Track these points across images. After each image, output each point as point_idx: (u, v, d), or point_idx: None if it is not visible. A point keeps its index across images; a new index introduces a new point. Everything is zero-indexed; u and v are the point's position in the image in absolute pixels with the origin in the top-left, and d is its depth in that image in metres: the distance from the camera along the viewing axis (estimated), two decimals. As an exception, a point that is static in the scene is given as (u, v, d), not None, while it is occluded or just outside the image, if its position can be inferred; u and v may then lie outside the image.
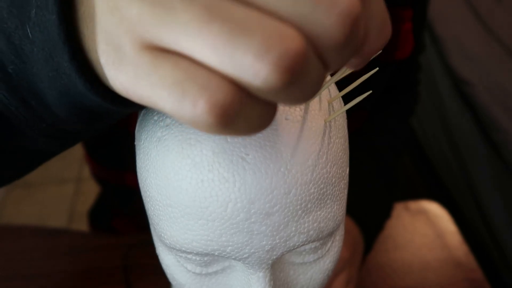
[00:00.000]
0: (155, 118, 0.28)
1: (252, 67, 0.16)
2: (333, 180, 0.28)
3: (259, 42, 0.15)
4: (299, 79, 0.16)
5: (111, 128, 0.57)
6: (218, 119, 0.16)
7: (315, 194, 0.27)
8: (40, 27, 0.21)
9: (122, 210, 0.71)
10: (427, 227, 0.69)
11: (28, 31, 0.22)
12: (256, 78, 0.16)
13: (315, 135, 0.27)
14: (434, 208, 0.72)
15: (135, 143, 0.31)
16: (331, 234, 0.30)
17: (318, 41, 0.16)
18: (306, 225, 0.27)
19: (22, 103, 0.25)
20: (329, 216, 0.29)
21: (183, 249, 0.28)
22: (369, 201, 0.59)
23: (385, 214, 0.63)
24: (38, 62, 0.22)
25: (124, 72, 0.18)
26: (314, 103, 0.27)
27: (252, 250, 0.27)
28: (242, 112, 0.17)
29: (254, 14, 0.16)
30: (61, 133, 0.28)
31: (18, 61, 0.23)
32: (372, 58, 0.20)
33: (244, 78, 0.16)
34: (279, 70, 0.16)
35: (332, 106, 0.29)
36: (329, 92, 0.29)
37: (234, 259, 0.28)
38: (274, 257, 0.28)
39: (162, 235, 0.29)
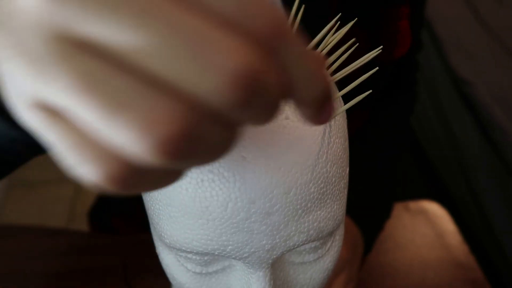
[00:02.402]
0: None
1: (134, 146, 0.14)
2: (333, 179, 0.28)
3: (139, 123, 0.14)
4: (190, 153, 0.15)
5: None
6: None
7: (315, 194, 0.27)
8: None
9: (122, 210, 0.71)
10: (427, 227, 0.69)
11: None
12: (139, 157, 0.15)
13: (315, 135, 0.27)
14: (434, 208, 0.72)
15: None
16: (331, 233, 0.30)
17: (210, 107, 0.15)
18: (306, 224, 0.27)
19: None
20: (329, 215, 0.29)
21: (183, 248, 0.28)
22: (369, 201, 0.59)
23: (385, 214, 0.63)
24: None
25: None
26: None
27: (252, 250, 0.27)
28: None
29: (135, 84, 0.14)
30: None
31: None
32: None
33: (127, 153, 0.15)
34: (160, 154, 0.14)
35: (332, 106, 0.29)
36: (329, 91, 0.29)
37: (234, 258, 0.28)
38: (274, 256, 0.28)
39: (162, 234, 0.29)
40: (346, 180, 0.31)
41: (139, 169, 0.15)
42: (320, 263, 0.32)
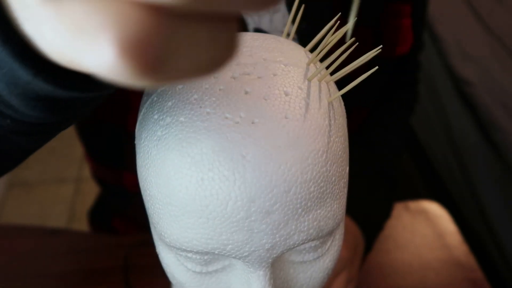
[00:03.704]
0: (155, 117, 0.28)
1: None
2: (333, 178, 0.28)
3: None
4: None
5: (109, 126, 0.58)
6: (137, 59, 0.11)
7: (315, 193, 0.27)
8: None
9: (122, 210, 0.71)
10: (427, 227, 0.69)
11: None
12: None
13: (315, 134, 0.27)
14: (434, 208, 0.72)
15: (135, 142, 0.31)
16: (331, 233, 0.30)
17: None
18: (306, 223, 0.27)
19: None
20: (329, 214, 0.29)
21: (183, 247, 0.28)
22: (369, 201, 0.59)
23: (385, 214, 0.63)
24: None
25: (31, 23, 0.13)
26: (313, 102, 0.27)
27: (252, 249, 0.27)
28: (175, 44, 0.12)
29: None
30: (31, 128, 0.26)
31: None
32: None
33: None
34: None
35: (332, 105, 0.29)
36: (329, 91, 0.30)
37: (234, 257, 0.28)
38: (274, 255, 0.28)
39: (162, 233, 0.29)
40: (346, 179, 0.31)
41: (170, 23, 0.12)
42: (320, 262, 0.32)
